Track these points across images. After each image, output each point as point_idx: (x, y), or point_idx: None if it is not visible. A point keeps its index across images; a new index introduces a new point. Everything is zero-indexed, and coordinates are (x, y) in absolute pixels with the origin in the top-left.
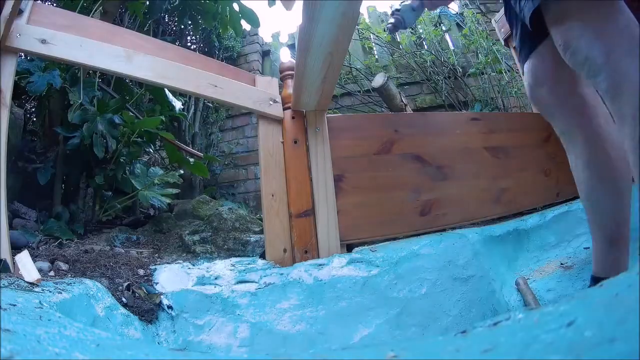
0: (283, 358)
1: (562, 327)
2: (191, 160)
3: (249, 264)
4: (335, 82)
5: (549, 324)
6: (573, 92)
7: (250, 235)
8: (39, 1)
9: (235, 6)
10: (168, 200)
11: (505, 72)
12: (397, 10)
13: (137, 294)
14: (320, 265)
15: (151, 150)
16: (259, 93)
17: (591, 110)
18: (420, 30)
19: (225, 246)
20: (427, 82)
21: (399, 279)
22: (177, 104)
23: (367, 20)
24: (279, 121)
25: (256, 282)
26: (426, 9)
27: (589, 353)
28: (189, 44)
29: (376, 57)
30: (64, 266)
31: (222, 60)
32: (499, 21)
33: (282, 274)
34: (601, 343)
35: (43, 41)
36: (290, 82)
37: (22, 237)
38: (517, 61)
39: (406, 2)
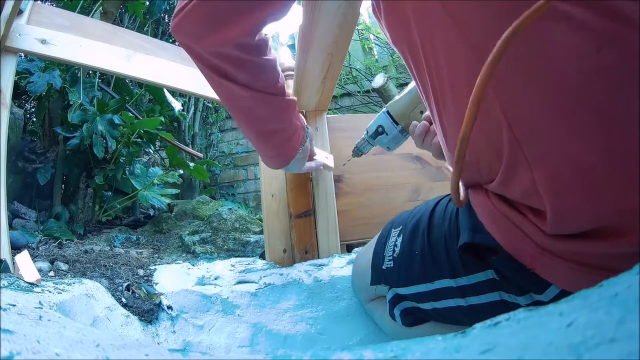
0: (283, 358)
1: (562, 327)
2: (191, 164)
3: (248, 264)
4: (335, 83)
5: (549, 324)
6: None
7: (250, 236)
8: (39, 1)
9: None
10: (168, 201)
11: None
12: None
13: (137, 294)
14: (320, 265)
15: (151, 151)
16: None
17: None
18: None
19: (225, 246)
20: None
21: None
22: (177, 105)
23: (367, 21)
24: None
25: (256, 283)
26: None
27: (589, 353)
28: None
29: (376, 57)
30: (63, 266)
31: None
32: None
33: (282, 274)
34: (601, 343)
35: (43, 41)
36: (290, 83)
37: (22, 237)
38: None
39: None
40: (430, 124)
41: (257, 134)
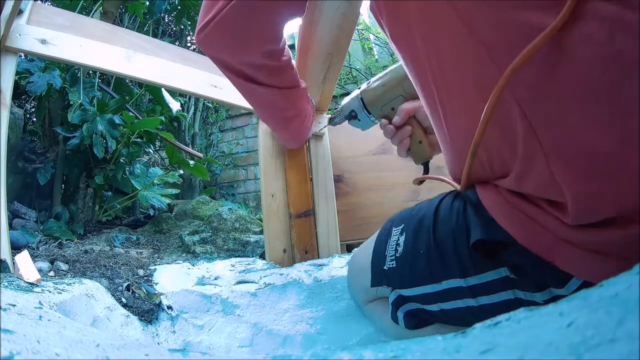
0: (283, 358)
1: (562, 327)
2: (191, 162)
3: (248, 264)
4: (335, 83)
5: (549, 324)
6: None
7: (250, 236)
8: (39, 1)
9: None
10: (168, 201)
11: None
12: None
13: (137, 294)
14: (320, 265)
15: (151, 151)
16: None
17: None
18: None
19: (225, 246)
20: None
21: None
22: (175, 106)
23: (367, 21)
24: None
25: (256, 283)
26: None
27: (589, 353)
28: (188, 44)
29: (376, 57)
30: (63, 266)
31: None
32: None
33: (282, 274)
34: (601, 343)
35: (43, 41)
36: None
37: (22, 237)
38: None
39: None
40: (398, 129)
41: (276, 122)
